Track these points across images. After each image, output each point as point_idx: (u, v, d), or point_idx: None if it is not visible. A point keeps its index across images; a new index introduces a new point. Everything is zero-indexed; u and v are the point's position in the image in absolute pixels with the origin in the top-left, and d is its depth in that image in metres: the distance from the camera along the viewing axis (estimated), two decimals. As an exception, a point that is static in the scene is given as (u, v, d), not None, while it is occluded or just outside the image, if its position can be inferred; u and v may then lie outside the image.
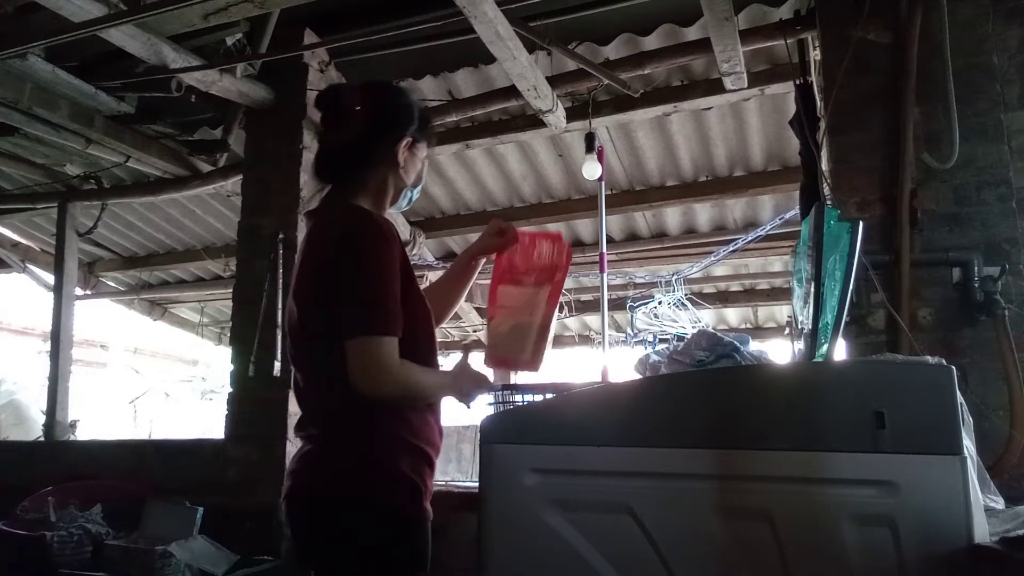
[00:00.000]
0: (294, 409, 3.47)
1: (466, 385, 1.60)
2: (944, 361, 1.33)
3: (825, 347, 1.45)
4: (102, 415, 8.83)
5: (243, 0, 2.83)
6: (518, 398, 1.82)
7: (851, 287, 1.45)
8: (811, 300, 1.47)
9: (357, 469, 1.45)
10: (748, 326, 6.68)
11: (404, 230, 5.16)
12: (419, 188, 1.74)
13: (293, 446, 3.44)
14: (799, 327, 1.61)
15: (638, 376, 2.00)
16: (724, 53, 3.03)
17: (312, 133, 3.69)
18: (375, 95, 1.64)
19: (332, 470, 1.47)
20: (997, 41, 2.38)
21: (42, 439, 4.80)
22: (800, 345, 1.59)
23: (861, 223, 1.45)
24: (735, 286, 6.06)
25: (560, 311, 6.27)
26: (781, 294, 5.88)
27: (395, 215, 5.01)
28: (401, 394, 1.48)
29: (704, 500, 1.32)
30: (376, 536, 1.43)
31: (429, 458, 1.53)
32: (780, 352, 6.67)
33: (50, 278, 5.62)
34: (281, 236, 3.58)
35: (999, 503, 1.57)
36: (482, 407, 1.74)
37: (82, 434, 4.96)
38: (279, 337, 3.49)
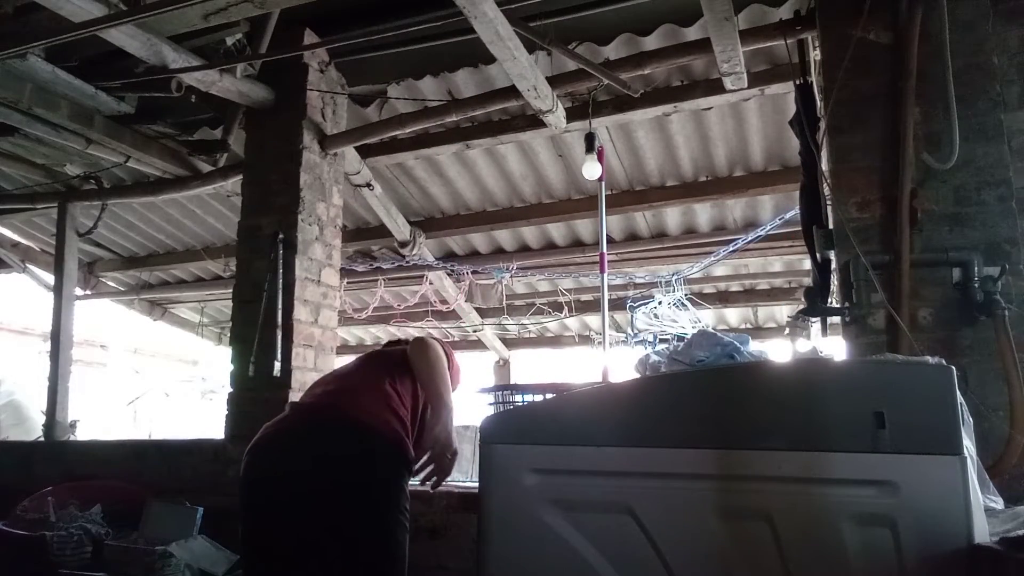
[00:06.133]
0: (294, 409, 3.47)
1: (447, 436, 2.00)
2: (944, 361, 1.33)
3: None
4: (102, 415, 8.83)
5: (243, 0, 2.83)
6: (518, 398, 1.83)
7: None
8: None
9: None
10: (748, 326, 6.68)
11: (404, 230, 5.16)
12: None
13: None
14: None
15: (638, 376, 2.00)
16: (724, 53, 3.03)
17: (312, 133, 3.70)
18: None
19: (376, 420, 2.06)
20: (997, 41, 2.38)
21: (42, 439, 4.80)
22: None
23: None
24: (735, 286, 6.06)
25: (560, 311, 6.28)
26: (781, 294, 5.88)
27: (395, 215, 5.00)
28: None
29: (704, 500, 1.32)
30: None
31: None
32: (780, 352, 6.67)
33: (50, 278, 5.62)
34: (281, 236, 3.58)
35: (999, 503, 1.57)
36: (483, 407, 1.74)
37: (82, 434, 4.96)
38: (279, 337, 3.49)
